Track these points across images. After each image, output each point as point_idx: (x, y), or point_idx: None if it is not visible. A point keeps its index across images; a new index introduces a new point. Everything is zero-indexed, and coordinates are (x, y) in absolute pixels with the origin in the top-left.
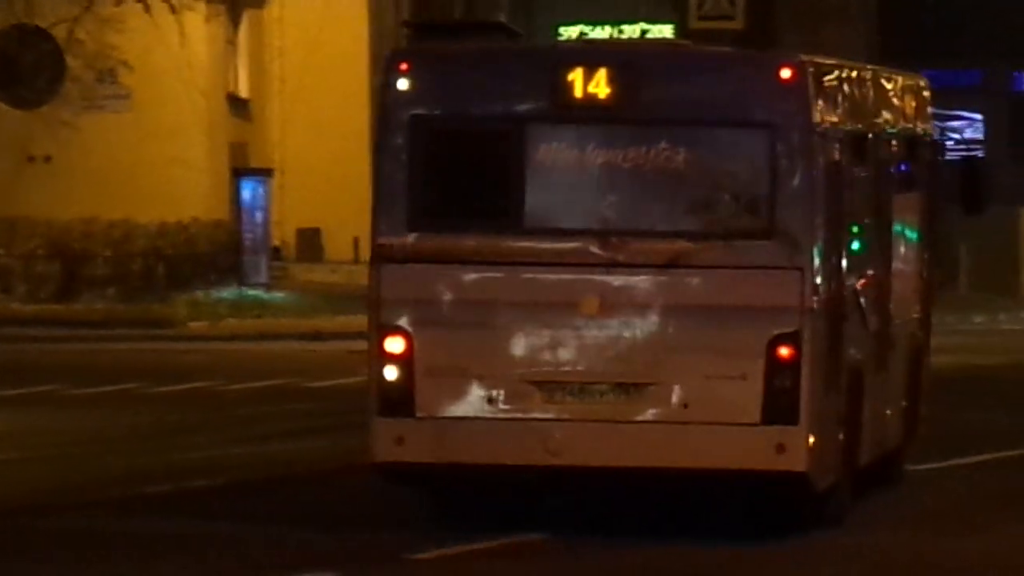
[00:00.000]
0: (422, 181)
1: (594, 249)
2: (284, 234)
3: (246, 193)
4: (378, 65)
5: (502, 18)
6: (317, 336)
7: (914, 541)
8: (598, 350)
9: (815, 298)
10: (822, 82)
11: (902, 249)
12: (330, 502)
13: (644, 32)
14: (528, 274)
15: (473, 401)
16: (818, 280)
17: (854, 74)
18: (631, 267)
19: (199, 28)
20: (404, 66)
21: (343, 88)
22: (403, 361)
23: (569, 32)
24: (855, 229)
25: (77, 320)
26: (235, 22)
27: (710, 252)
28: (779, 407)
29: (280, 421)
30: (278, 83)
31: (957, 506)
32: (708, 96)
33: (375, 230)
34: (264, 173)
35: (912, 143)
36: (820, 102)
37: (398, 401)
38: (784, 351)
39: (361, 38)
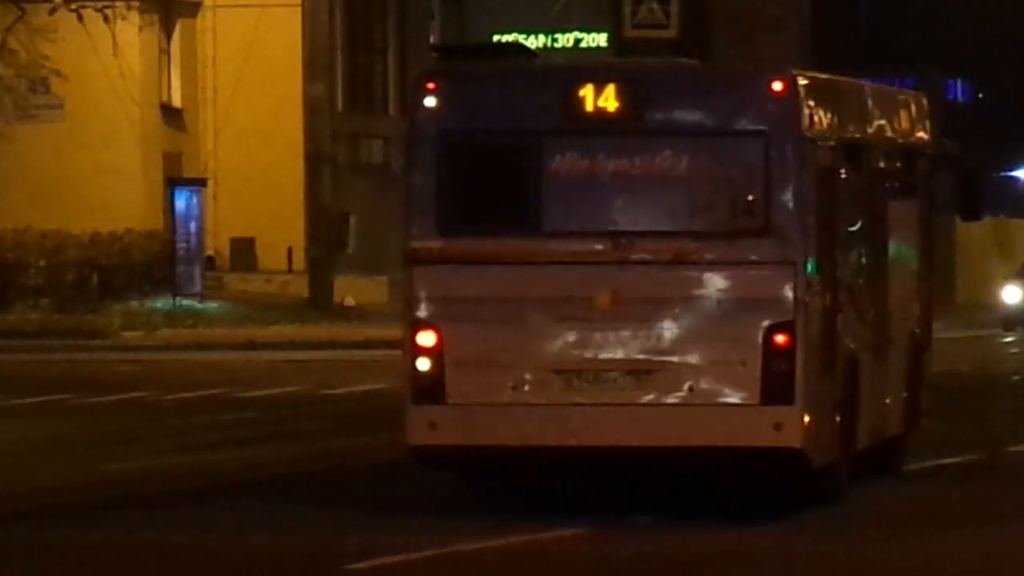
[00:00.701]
0: (449, 190)
1: (606, 249)
2: (218, 244)
3: (180, 203)
4: (311, 73)
5: (433, 36)
6: (251, 346)
7: (854, 547)
8: (611, 340)
9: (808, 291)
10: (812, 95)
11: (899, 250)
12: (270, 511)
13: (578, 41)
14: (547, 272)
15: (498, 389)
16: (812, 275)
17: (846, 88)
18: (640, 264)
19: (132, 38)
20: (431, 86)
21: (277, 97)
22: (434, 353)
23: (502, 40)
24: (849, 229)
25: (10, 330)
26: (168, 32)
27: (711, 249)
28: (776, 389)
29: (215, 431)
30: (211, 92)
31: (893, 514)
32: (707, 108)
33: (407, 235)
34: (198, 183)
35: (909, 152)
36: (810, 112)
37: (430, 390)
38: (779, 338)
39: (294, 47)
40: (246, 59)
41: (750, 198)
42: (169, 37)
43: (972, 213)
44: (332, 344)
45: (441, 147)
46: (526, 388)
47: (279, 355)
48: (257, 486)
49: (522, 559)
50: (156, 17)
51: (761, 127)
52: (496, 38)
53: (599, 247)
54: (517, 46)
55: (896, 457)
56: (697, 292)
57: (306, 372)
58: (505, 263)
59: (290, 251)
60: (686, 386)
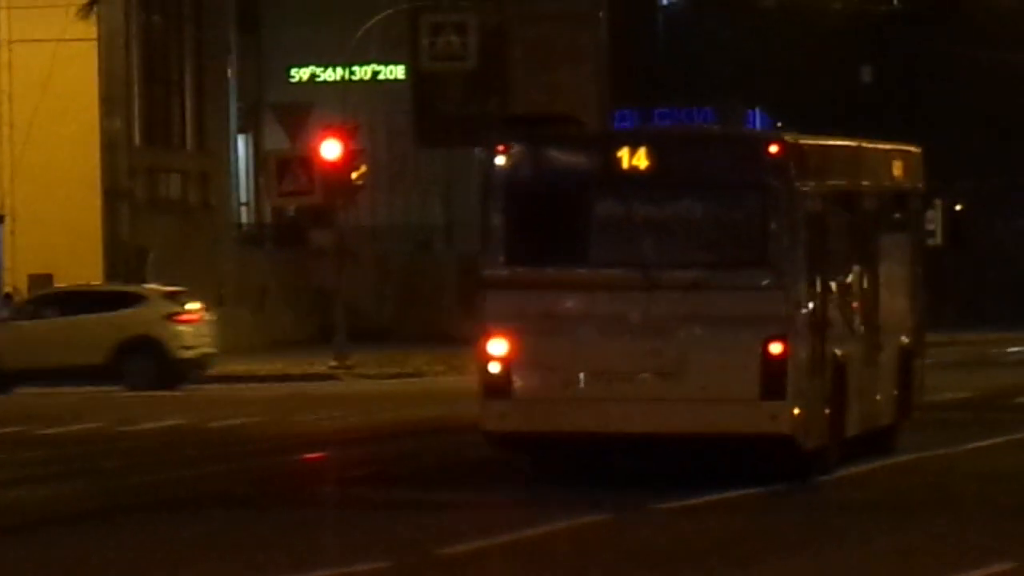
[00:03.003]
0: (515, 230)
1: (638, 277)
2: (16, 280)
3: None
4: (107, 108)
5: (229, 70)
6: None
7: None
8: (642, 349)
9: (797, 309)
10: (802, 154)
11: (889, 276)
12: (79, 548)
13: (375, 74)
14: (591, 296)
15: (554, 386)
16: (801, 296)
17: (835, 147)
18: (664, 289)
19: None
20: (501, 148)
21: (73, 132)
22: (503, 359)
23: (300, 74)
24: (837, 259)
25: None
26: None
27: (720, 277)
28: (771, 387)
29: (14, 469)
30: (7, 128)
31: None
32: (718, 164)
33: (481, 265)
34: None
35: (899, 196)
36: (800, 168)
37: (499, 387)
38: (774, 347)
39: (91, 83)
40: (42, 95)
41: (751, 236)
42: None
43: (958, 245)
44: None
45: (508, 197)
46: (575, 386)
47: (80, 391)
48: (57, 521)
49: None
50: None
51: (760, 180)
52: (292, 71)
53: (632, 276)
54: (567, 117)
55: (887, 443)
56: (709, 311)
57: (107, 408)
58: (558, 288)
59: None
60: (701, 385)
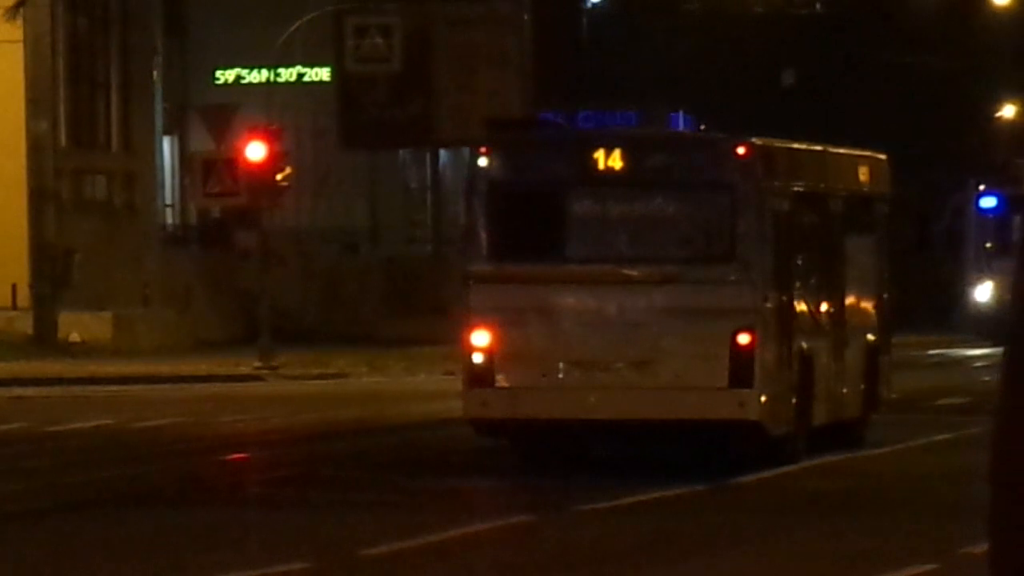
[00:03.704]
0: (497, 228)
1: (613, 272)
2: None
3: None
4: (33, 109)
5: (156, 72)
6: None
7: None
8: (618, 339)
9: (765, 303)
10: (769, 156)
11: (855, 275)
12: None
13: (301, 76)
14: (569, 289)
15: (534, 375)
16: (768, 290)
17: (801, 152)
18: (638, 283)
19: None
20: (484, 150)
21: None
22: (486, 349)
23: (226, 75)
24: (805, 257)
25: None
26: None
27: (691, 272)
28: (739, 376)
29: None
30: None
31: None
32: (689, 165)
33: (466, 261)
34: None
35: (865, 200)
36: (766, 169)
37: (482, 376)
38: (742, 339)
39: (17, 84)
40: None
41: (720, 233)
42: None
43: (923, 246)
44: (58, 380)
45: (490, 196)
46: (555, 375)
47: (4, 392)
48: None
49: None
50: None
51: (728, 180)
52: (217, 74)
53: (608, 270)
54: (547, 120)
55: (855, 434)
56: (680, 304)
57: (31, 409)
58: (538, 282)
59: (14, 288)
60: (673, 374)
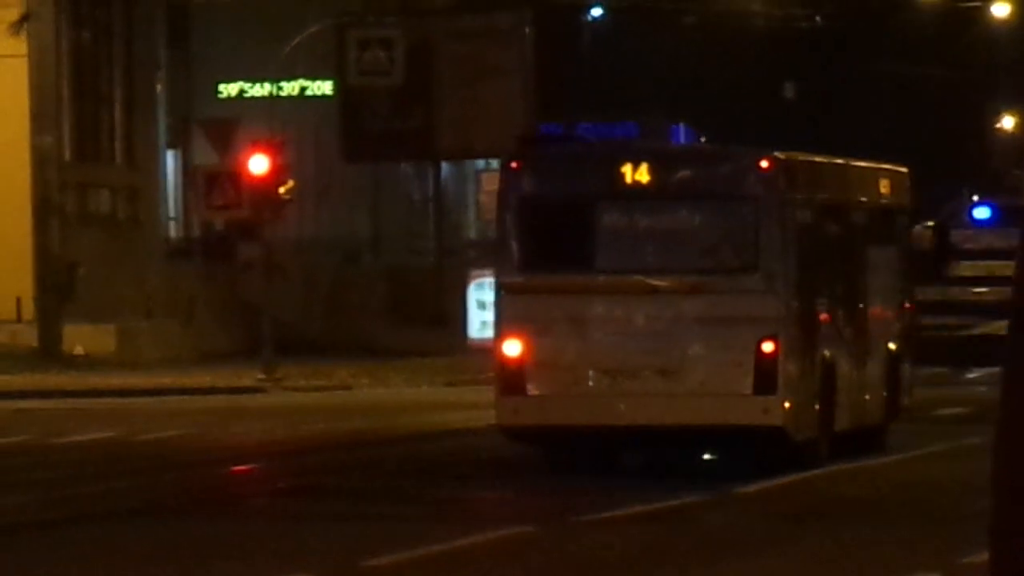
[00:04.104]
0: (528, 239)
1: (641, 282)
2: None
3: None
4: (38, 124)
5: (159, 86)
6: None
7: None
8: (645, 348)
9: (788, 312)
10: (792, 169)
11: (876, 283)
12: (11, 560)
13: (303, 89)
14: (598, 299)
15: (565, 383)
16: (791, 300)
17: (824, 164)
18: (665, 293)
19: None
20: (515, 165)
21: (4, 148)
22: (517, 359)
23: (229, 89)
24: (828, 267)
25: None
26: None
27: (717, 282)
28: (764, 383)
29: None
30: None
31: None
32: (714, 178)
33: (498, 272)
34: None
35: (886, 211)
36: (790, 182)
37: (514, 384)
38: (767, 347)
39: (21, 99)
40: None
41: (745, 244)
42: None
43: (941, 258)
44: (62, 393)
45: (522, 208)
46: (585, 383)
47: (8, 404)
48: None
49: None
50: None
51: (752, 193)
52: (220, 87)
53: (636, 281)
54: (577, 135)
55: (876, 440)
56: (707, 313)
57: (35, 421)
58: (568, 292)
59: (19, 301)
60: (699, 381)
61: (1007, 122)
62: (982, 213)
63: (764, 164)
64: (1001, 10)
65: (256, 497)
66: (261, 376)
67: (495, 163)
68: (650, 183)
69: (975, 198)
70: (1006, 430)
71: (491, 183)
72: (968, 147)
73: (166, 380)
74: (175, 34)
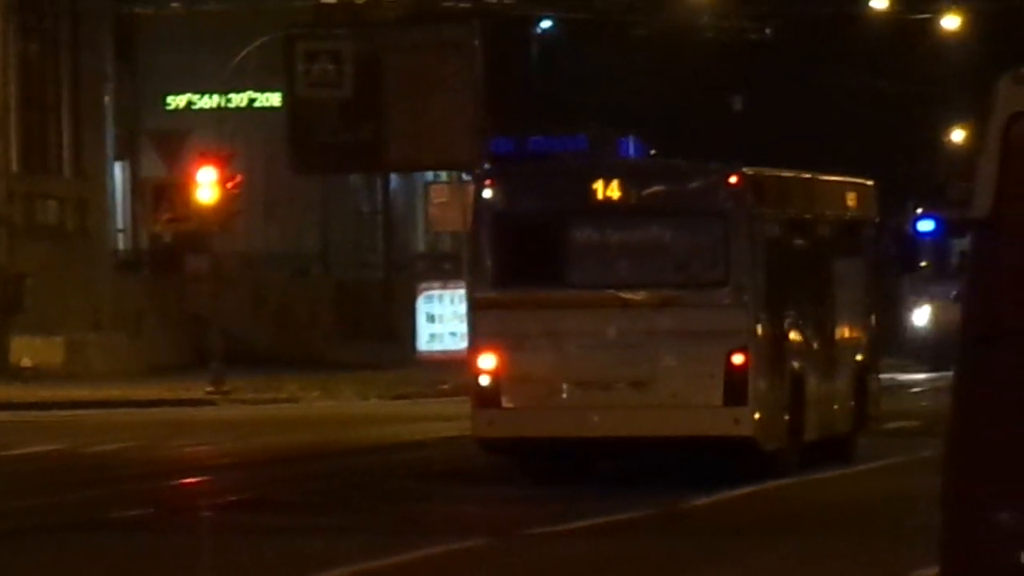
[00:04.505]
0: (501, 255)
1: (613, 296)
2: None
3: None
4: None
5: (107, 97)
6: None
7: None
8: (618, 361)
9: (758, 325)
10: (760, 185)
11: (844, 296)
12: None
13: (252, 101)
14: (571, 314)
15: (538, 396)
16: (761, 313)
17: (791, 179)
18: (637, 307)
19: None
20: (488, 182)
21: None
22: (492, 372)
23: (177, 101)
24: (795, 280)
25: None
26: None
27: (687, 296)
28: (734, 395)
29: None
30: None
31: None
32: (683, 194)
33: (471, 287)
34: None
35: (853, 224)
36: (758, 197)
37: (489, 397)
38: (736, 359)
39: None
40: None
41: (714, 259)
42: None
43: (908, 267)
44: (9, 405)
45: (495, 224)
46: (558, 395)
47: None
48: None
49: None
50: None
51: (721, 208)
52: (168, 99)
53: (608, 295)
54: (548, 155)
55: (845, 449)
56: (678, 326)
57: None
58: (542, 307)
59: None
60: (671, 392)
61: (957, 135)
62: (926, 226)
63: (733, 180)
64: (951, 23)
65: (205, 510)
66: (210, 389)
67: (444, 175)
68: (621, 199)
69: (919, 211)
70: (957, 444)
71: (440, 195)
72: (917, 159)
73: (114, 392)
74: (123, 45)
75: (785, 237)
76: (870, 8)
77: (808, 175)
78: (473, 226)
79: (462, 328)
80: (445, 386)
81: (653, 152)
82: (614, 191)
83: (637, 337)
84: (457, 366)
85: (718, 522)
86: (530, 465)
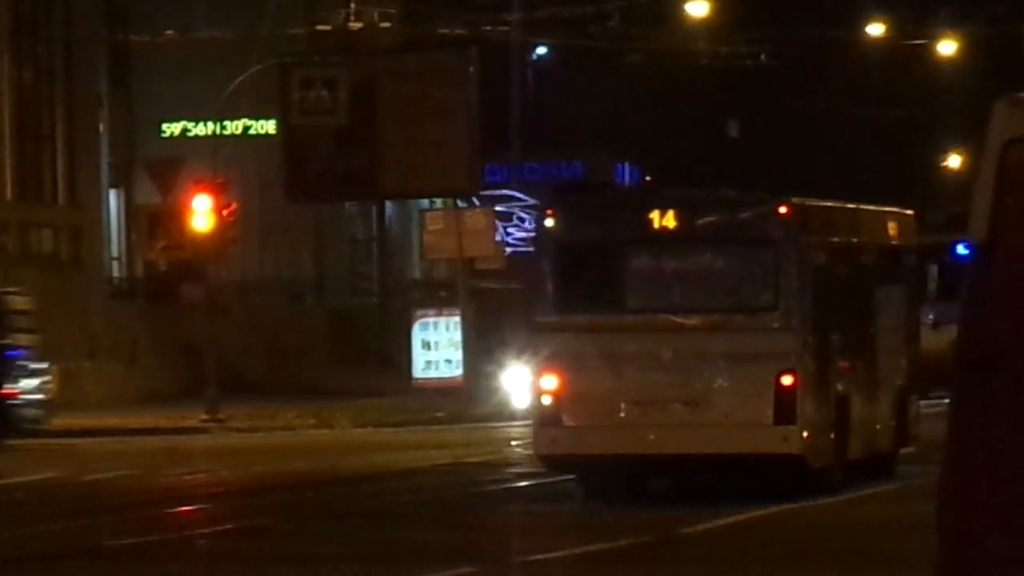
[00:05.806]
0: (562, 281)
1: (668, 321)
2: None
3: None
4: None
5: (101, 125)
6: None
7: None
8: (673, 381)
9: (805, 348)
10: (808, 214)
11: (885, 321)
12: None
13: (247, 128)
14: (629, 337)
15: (598, 415)
16: (808, 336)
17: (837, 209)
18: (691, 330)
19: None
20: (550, 211)
21: None
22: (553, 392)
23: (171, 128)
24: (838, 305)
25: None
26: None
27: (739, 320)
28: (783, 414)
29: None
30: None
31: None
32: (735, 223)
33: (533, 312)
34: None
35: (894, 251)
36: (806, 226)
37: (551, 416)
38: (785, 380)
39: None
40: None
41: (765, 285)
42: None
43: (943, 294)
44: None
45: (557, 252)
46: (616, 414)
47: None
48: None
49: None
50: None
51: (772, 237)
52: (164, 126)
53: (663, 319)
54: (607, 184)
55: (887, 467)
56: (729, 349)
57: None
58: (601, 331)
59: None
60: (723, 412)
61: (953, 161)
62: (964, 251)
63: (783, 210)
64: (947, 48)
65: (200, 539)
66: (205, 417)
67: (439, 203)
68: (676, 228)
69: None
70: (952, 471)
71: (435, 223)
72: (914, 185)
73: (109, 421)
74: (117, 73)
75: (831, 264)
76: (866, 34)
77: (852, 205)
78: (536, 253)
79: (457, 356)
80: (440, 414)
81: (648, 178)
82: (670, 221)
83: (691, 359)
84: (452, 393)
85: (714, 550)
86: (588, 483)
